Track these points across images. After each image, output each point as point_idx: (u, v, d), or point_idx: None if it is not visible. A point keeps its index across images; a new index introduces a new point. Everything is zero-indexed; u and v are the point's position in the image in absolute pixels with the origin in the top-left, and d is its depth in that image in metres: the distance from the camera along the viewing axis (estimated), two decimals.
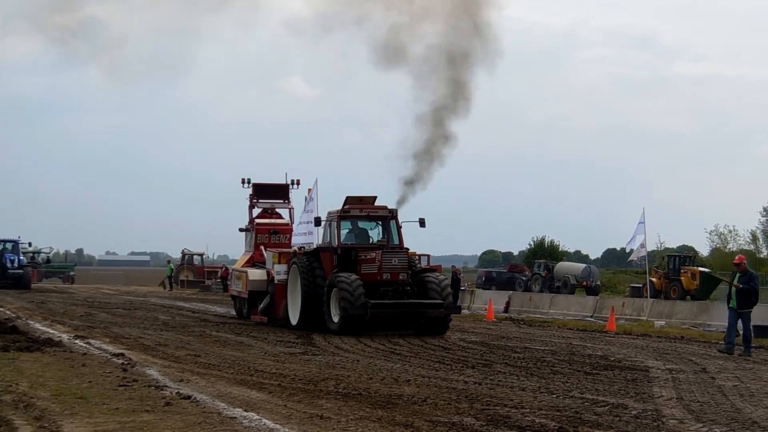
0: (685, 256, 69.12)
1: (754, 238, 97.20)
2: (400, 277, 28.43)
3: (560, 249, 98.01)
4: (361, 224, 30.64)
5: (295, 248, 32.46)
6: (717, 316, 37.08)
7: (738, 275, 24.19)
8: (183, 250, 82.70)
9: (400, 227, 30.07)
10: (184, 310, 41.16)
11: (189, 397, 14.14)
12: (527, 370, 19.20)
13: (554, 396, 15.27)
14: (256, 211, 38.67)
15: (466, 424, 12.39)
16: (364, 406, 13.90)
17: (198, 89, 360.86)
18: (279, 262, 32.08)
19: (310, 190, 35.85)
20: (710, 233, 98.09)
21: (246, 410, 13.10)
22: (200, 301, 52.61)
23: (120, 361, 19.15)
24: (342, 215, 29.98)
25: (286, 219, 38.58)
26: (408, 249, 29.48)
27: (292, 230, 36.67)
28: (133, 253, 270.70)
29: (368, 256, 28.78)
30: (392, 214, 30.05)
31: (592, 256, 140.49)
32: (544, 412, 13.44)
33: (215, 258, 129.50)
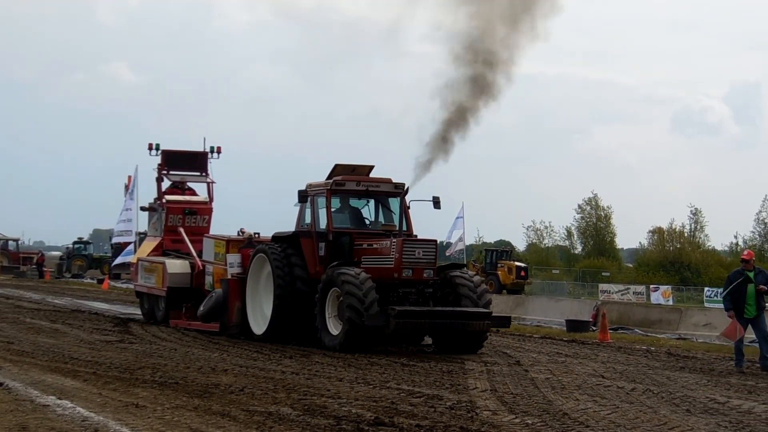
0: (502, 250, 70.88)
1: (569, 234, 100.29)
2: (425, 276, 21.52)
3: None
4: (353, 202, 23.48)
5: (249, 233, 26.26)
6: (532, 310, 38.21)
7: (753, 274, 20.07)
8: None
9: (408, 208, 23.25)
10: None
11: (0, 385, 13.85)
12: (345, 360, 19.31)
13: (371, 387, 15.41)
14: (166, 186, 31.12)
15: (282, 414, 12.42)
16: (180, 395, 13.82)
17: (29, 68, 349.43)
18: (228, 251, 25.65)
19: (130, 177, 34.52)
20: (527, 228, 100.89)
21: (60, 398, 12.90)
22: (14, 287, 51.47)
23: None
24: (333, 189, 22.68)
25: (204, 196, 31.41)
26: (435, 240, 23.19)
27: (212, 210, 30.90)
28: None
29: (373, 246, 22.09)
30: (401, 191, 23.04)
31: None
32: (361, 403, 13.55)
33: (31, 244, 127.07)
